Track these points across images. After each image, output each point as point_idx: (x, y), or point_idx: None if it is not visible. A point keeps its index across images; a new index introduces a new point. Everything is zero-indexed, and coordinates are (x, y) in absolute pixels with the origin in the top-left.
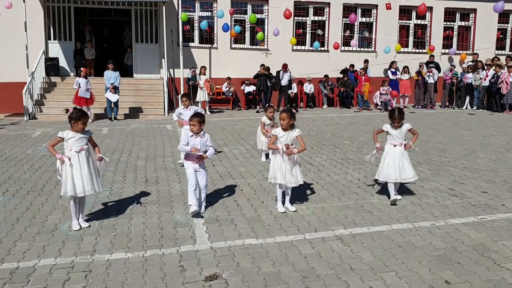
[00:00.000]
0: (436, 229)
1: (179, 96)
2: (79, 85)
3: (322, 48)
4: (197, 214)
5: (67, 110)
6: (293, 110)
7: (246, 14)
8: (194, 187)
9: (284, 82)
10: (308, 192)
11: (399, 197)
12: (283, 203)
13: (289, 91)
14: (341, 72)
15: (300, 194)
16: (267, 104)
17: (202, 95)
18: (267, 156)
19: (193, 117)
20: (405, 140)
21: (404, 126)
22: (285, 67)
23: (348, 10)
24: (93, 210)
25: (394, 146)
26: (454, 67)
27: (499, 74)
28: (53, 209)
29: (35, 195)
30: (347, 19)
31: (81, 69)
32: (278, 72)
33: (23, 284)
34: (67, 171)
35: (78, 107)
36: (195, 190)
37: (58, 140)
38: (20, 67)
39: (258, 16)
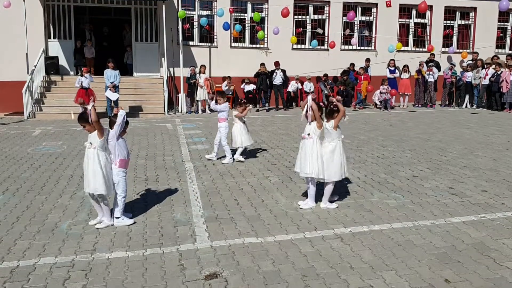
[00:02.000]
0: (436, 227)
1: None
2: (81, 84)
3: (322, 47)
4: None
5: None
6: (321, 104)
7: (246, 13)
8: (125, 198)
9: (277, 81)
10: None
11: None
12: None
13: (291, 90)
14: (341, 74)
15: (300, 192)
16: (241, 100)
17: (202, 94)
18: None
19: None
20: (340, 139)
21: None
22: (276, 65)
23: (348, 8)
24: (93, 209)
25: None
26: (454, 65)
27: (499, 72)
28: (53, 208)
29: (35, 193)
30: (347, 17)
31: (82, 69)
32: (272, 71)
33: (23, 282)
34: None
35: (81, 108)
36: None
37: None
38: (19, 66)
39: None
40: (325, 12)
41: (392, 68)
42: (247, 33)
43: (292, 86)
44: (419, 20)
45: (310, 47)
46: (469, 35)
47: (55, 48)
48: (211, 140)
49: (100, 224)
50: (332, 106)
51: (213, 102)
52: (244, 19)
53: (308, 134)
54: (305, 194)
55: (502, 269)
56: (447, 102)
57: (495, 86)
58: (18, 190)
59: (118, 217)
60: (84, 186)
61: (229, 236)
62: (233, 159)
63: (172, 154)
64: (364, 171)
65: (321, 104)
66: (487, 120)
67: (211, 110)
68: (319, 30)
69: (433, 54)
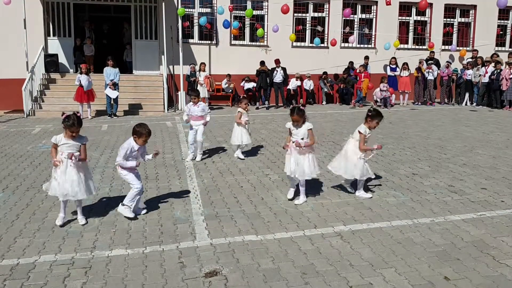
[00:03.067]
0: (435, 225)
1: (188, 92)
2: (80, 82)
3: (322, 45)
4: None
5: (63, 114)
6: (301, 107)
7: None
8: (139, 190)
9: (277, 78)
10: (308, 188)
11: (368, 195)
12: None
13: (291, 88)
14: (344, 72)
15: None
16: (241, 96)
17: (202, 92)
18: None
19: (147, 134)
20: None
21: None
22: (277, 63)
23: (348, 6)
24: (93, 207)
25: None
26: (450, 63)
27: (499, 70)
28: (53, 205)
29: (35, 191)
30: (343, 14)
31: (81, 65)
32: (273, 69)
33: (23, 280)
34: (53, 172)
35: (76, 112)
36: (139, 195)
37: (54, 147)
38: (19, 64)
39: (258, 12)
40: (325, 9)
41: (393, 66)
42: (247, 30)
43: (292, 84)
44: (419, 18)
45: (310, 44)
46: (469, 33)
47: (55, 46)
48: (211, 138)
49: (81, 220)
50: (373, 110)
51: (185, 117)
52: (244, 16)
53: (302, 139)
54: (296, 191)
55: (502, 266)
56: (446, 100)
57: (496, 84)
58: (18, 188)
59: (124, 205)
60: (59, 194)
61: (229, 233)
62: (195, 158)
63: (172, 152)
64: None
65: (301, 107)
66: (487, 118)
67: (211, 109)
68: (319, 28)
69: (433, 52)
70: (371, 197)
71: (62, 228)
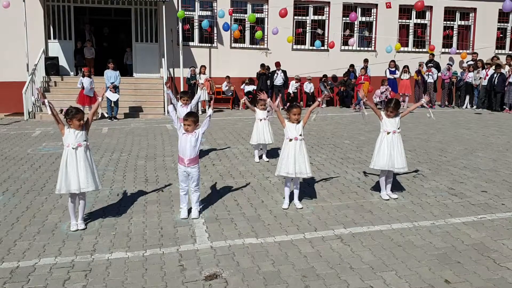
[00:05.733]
0: (436, 228)
1: (178, 94)
2: (83, 85)
3: (322, 48)
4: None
5: (61, 111)
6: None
7: (246, 13)
8: (185, 191)
9: (278, 81)
10: (308, 191)
11: (394, 196)
12: (291, 199)
13: (291, 91)
14: (344, 75)
15: (300, 192)
16: (258, 97)
17: (202, 95)
18: (260, 156)
19: (188, 117)
20: (398, 129)
21: (397, 116)
22: (278, 65)
23: (348, 9)
24: (93, 210)
25: (388, 133)
26: (451, 66)
27: (499, 74)
28: (53, 208)
29: (35, 194)
30: (347, 18)
31: (83, 69)
32: (273, 72)
33: (23, 283)
34: (62, 167)
35: (80, 106)
36: (185, 194)
37: (61, 127)
38: (20, 67)
39: (258, 15)
40: (325, 12)
41: (393, 69)
42: (247, 33)
43: (292, 86)
44: (419, 21)
45: (310, 47)
46: (469, 36)
47: (55, 49)
48: (211, 140)
49: (80, 225)
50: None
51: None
52: (244, 19)
53: (300, 135)
54: (291, 196)
55: (502, 269)
56: (446, 103)
57: (499, 87)
58: (18, 191)
59: (180, 208)
60: (70, 188)
61: (229, 236)
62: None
63: (172, 154)
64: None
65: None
66: (487, 120)
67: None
68: (319, 31)
69: (433, 55)
70: (388, 199)
71: (62, 231)
